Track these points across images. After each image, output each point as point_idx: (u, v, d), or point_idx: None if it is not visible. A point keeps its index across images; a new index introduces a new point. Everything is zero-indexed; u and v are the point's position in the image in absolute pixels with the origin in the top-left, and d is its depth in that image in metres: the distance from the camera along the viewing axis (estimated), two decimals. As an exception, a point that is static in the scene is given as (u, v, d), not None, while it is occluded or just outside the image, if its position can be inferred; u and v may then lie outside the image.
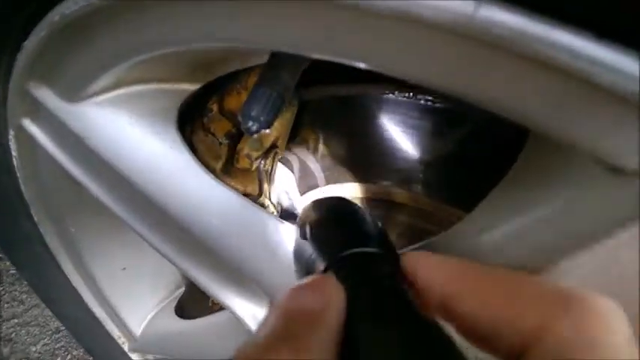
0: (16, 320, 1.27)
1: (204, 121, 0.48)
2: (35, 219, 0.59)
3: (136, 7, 0.27)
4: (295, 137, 0.51)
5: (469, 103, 0.21)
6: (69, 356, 1.21)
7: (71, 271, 0.66)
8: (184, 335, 0.69)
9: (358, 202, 0.50)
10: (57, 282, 0.69)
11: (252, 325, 0.49)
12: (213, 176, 0.42)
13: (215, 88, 0.47)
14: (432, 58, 0.20)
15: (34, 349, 1.22)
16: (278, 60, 0.33)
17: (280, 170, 0.52)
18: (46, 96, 0.39)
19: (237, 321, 0.57)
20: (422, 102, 0.45)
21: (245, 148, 0.45)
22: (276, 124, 0.41)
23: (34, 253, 0.66)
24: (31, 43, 0.34)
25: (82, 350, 1.23)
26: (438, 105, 0.44)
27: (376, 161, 0.50)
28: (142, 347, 0.74)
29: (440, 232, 0.31)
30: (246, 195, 0.47)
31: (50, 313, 1.28)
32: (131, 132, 0.40)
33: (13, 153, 0.49)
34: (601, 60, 0.16)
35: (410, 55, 0.20)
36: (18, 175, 0.53)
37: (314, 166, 0.53)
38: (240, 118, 0.34)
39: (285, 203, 0.54)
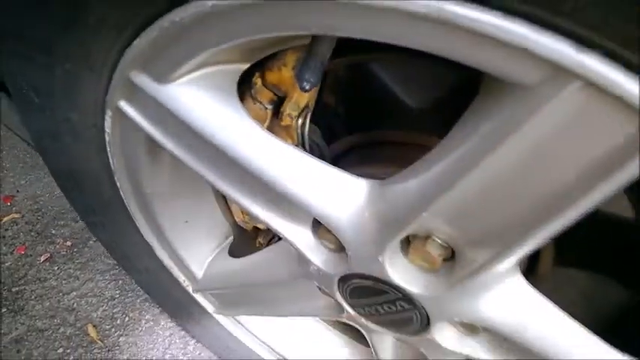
0: (75, 293, 1.45)
1: (251, 92, 0.63)
2: (118, 185, 0.74)
3: (224, 15, 0.42)
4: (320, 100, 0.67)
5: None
6: (126, 318, 1.39)
7: (145, 227, 0.82)
8: (237, 271, 0.86)
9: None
10: (133, 240, 0.85)
11: (297, 242, 0.64)
12: (268, 132, 0.57)
13: (255, 65, 0.62)
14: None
15: (95, 314, 1.39)
16: (318, 40, 0.49)
17: (311, 125, 0.68)
18: (143, 81, 0.54)
19: (276, 254, 0.74)
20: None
21: (287, 109, 0.61)
22: (311, 86, 0.56)
23: (114, 216, 0.82)
24: (140, 42, 0.49)
25: (137, 312, 1.41)
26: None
27: (380, 112, 0.66)
28: (204, 286, 0.91)
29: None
30: (289, 144, 0.62)
31: (104, 285, 1.46)
32: (205, 103, 0.56)
33: (107, 131, 0.64)
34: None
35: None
36: (108, 149, 0.68)
37: (334, 119, 0.69)
38: (296, 80, 0.49)
39: (315, 149, 0.69)
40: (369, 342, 0.82)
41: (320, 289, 0.76)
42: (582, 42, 0.29)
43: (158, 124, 0.59)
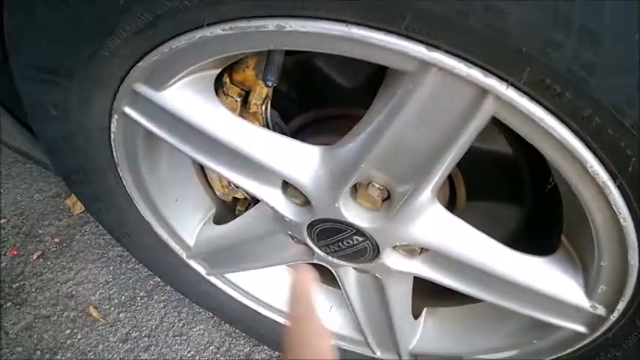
0: (71, 282, 1.60)
1: (223, 89, 0.82)
2: (121, 175, 0.92)
3: (207, 42, 0.61)
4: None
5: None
6: (122, 297, 1.56)
7: (144, 209, 1.00)
8: (222, 235, 1.05)
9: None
10: (134, 220, 1.03)
11: (271, 201, 0.84)
12: (243, 119, 0.76)
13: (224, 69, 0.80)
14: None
15: (93, 298, 1.55)
16: (273, 51, 0.69)
17: (271, 110, 0.87)
18: (144, 90, 0.72)
19: (254, 216, 0.94)
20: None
21: (253, 99, 0.80)
22: (271, 81, 0.76)
23: (117, 202, 1.00)
24: (144, 63, 0.67)
25: (131, 290, 1.57)
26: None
27: (324, 94, 0.87)
28: (195, 253, 1.10)
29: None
30: (258, 126, 0.82)
31: (97, 272, 1.62)
32: (192, 101, 0.74)
33: (113, 130, 0.82)
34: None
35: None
36: (113, 146, 0.86)
37: (289, 103, 0.89)
38: (261, 79, 0.69)
39: (277, 128, 0.89)
40: (337, 278, 1.03)
41: (293, 238, 0.96)
42: (431, 45, 0.50)
43: (156, 121, 0.77)
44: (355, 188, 0.77)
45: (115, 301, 1.55)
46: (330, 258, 0.93)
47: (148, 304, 1.53)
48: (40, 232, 1.74)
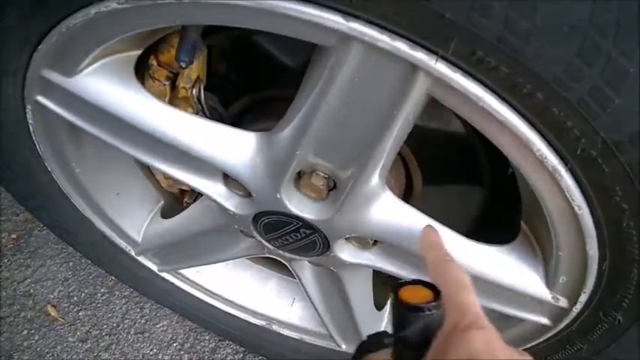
0: (29, 280, 1.53)
1: (149, 73, 0.74)
2: (50, 169, 0.85)
3: (105, 19, 0.53)
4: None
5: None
6: (82, 294, 1.49)
7: (82, 204, 0.93)
8: (171, 229, 0.99)
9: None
10: (73, 217, 0.96)
11: (212, 194, 0.77)
12: (170, 106, 0.69)
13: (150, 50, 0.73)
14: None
15: (52, 296, 1.48)
16: (186, 27, 0.61)
17: (207, 93, 0.80)
18: (54, 76, 0.65)
19: (201, 208, 0.87)
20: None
21: (181, 83, 0.73)
22: (195, 62, 0.68)
23: (51, 198, 0.92)
24: (44, 46, 0.60)
25: (91, 287, 1.51)
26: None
27: (266, 74, 0.79)
28: (144, 249, 1.03)
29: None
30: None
31: (55, 268, 1.55)
32: (110, 88, 0.67)
33: (30, 121, 0.74)
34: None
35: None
36: (34, 138, 0.78)
37: (228, 86, 0.81)
38: (175, 62, 0.61)
39: (215, 114, 0.82)
40: (293, 272, 0.97)
41: (241, 231, 0.89)
42: (349, 15, 0.43)
43: (74, 110, 0.70)
44: (299, 177, 0.70)
45: (75, 298, 1.48)
46: (280, 252, 0.87)
47: (109, 301, 1.47)
48: (-4, 228, 1.67)
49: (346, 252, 0.82)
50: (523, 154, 0.50)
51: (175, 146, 0.70)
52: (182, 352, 1.36)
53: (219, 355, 1.35)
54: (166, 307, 1.32)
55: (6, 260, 1.59)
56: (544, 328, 0.73)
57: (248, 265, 1.13)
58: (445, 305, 0.42)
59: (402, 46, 0.44)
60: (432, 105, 0.52)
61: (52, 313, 1.44)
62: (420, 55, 0.43)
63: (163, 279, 1.10)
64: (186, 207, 0.99)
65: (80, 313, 1.45)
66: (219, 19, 0.50)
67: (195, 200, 1.01)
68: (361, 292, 0.95)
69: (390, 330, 0.44)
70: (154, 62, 0.73)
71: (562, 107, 0.42)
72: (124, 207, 0.98)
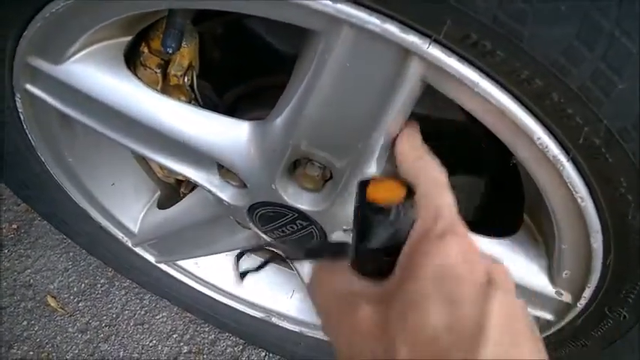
0: (29, 270, 1.52)
1: (141, 60, 0.72)
2: (42, 159, 0.83)
3: (89, 4, 0.51)
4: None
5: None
6: (82, 285, 1.48)
7: (76, 195, 0.92)
8: (168, 220, 0.97)
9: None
10: (68, 207, 0.95)
11: (207, 185, 0.75)
12: (161, 94, 0.67)
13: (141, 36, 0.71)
14: None
15: (52, 286, 1.48)
16: (173, 11, 0.59)
17: (200, 81, 0.78)
18: (40, 64, 0.63)
19: (197, 198, 0.85)
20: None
21: (172, 70, 0.70)
22: (186, 49, 0.66)
23: (46, 188, 0.91)
24: (29, 32, 0.58)
25: (91, 278, 1.50)
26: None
27: (261, 61, 0.77)
28: (141, 240, 1.02)
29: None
30: (182, 101, 0.73)
31: (56, 259, 1.54)
32: (99, 75, 0.65)
33: (20, 110, 0.73)
34: None
35: None
36: (25, 127, 0.76)
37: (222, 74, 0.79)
38: (161, 47, 0.59)
39: (209, 102, 0.80)
40: (291, 264, 0.96)
41: (238, 222, 0.88)
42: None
43: (63, 99, 0.68)
44: (295, 168, 0.68)
45: (75, 289, 1.47)
46: (277, 243, 0.85)
47: (108, 292, 1.46)
48: (-3, 218, 1.66)
49: (344, 244, 0.80)
50: (523, 143, 0.47)
51: (168, 135, 0.68)
52: (181, 344, 1.35)
53: (218, 347, 1.35)
54: (164, 298, 1.31)
55: (6, 250, 1.58)
56: (548, 324, 0.71)
57: (246, 256, 1.11)
58: (417, 207, 0.36)
59: (392, 29, 0.41)
60: (430, 92, 0.50)
61: (52, 304, 1.44)
62: (412, 39, 0.41)
63: (161, 270, 1.09)
64: (183, 197, 0.97)
65: (80, 304, 1.44)
66: (205, 3, 0.47)
67: (191, 191, 0.99)
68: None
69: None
70: (145, 49, 0.71)
71: (562, 93, 0.40)
72: (119, 197, 0.96)
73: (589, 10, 0.34)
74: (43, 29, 0.57)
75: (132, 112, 0.67)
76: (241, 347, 1.34)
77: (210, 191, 0.77)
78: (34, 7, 0.54)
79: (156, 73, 0.71)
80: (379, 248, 0.36)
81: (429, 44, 0.41)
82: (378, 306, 0.32)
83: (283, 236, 0.81)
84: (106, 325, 1.39)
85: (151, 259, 1.06)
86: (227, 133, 0.67)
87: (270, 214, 0.76)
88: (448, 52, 0.41)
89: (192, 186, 0.99)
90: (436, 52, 0.41)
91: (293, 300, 1.11)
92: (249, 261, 1.06)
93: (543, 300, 0.68)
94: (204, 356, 1.34)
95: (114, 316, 1.41)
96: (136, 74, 0.71)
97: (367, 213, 0.37)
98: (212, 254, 1.02)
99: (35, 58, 0.63)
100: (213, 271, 1.11)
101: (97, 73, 0.64)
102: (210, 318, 1.22)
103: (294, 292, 1.12)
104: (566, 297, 0.66)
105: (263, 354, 1.33)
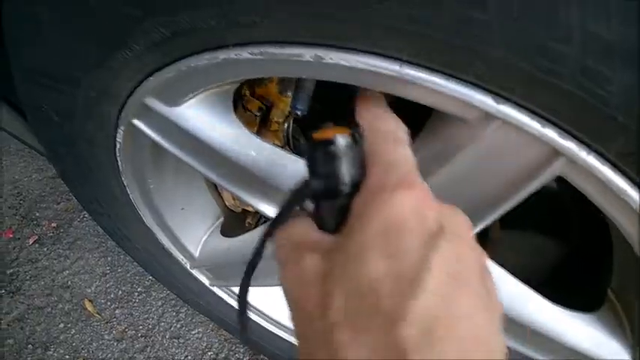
0: (67, 271, 1.54)
1: (242, 103, 0.73)
2: (125, 183, 0.84)
3: (234, 63, 0.53)
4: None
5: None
6: (119, 291, 1.50)
7: (147, 216, 0.93)
8: (230, 248, 0.98)
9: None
10: (136, 227, 0.96)
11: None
12: (260, 137, 0.68)
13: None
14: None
15: (89, 290, 1.49)
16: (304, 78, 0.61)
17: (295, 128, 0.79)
18: (156, 104, 0.65)
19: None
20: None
21: (274, 117, 0.72)
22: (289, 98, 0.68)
23: (118, 207, 0.92)
24: (156, 79, 0.59)
25: (129, 285, 1.51)
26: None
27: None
28: (200, 263, 1.03)
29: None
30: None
31: (94, 262, 1.56)
32: (208, 120, 0.66)
33: (118, 140, 0.74)
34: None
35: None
36: (118, 155, 0.78)
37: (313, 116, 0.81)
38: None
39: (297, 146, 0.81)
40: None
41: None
42: (500, 96, 0.42)
43: (167, 135, 0.70)
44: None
45: (112, 295, 1.49)
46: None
47: (145, 301, 1.47)
48: (37, 214, 1.68)
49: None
50: (622, 209, 0.48)
51: (257, 175, 0.69)
52: (216, 362, 1.36)
53: (253, 369, 1.36)
54: (207, 317, 1.32)
55: (45, 249, 1.60)
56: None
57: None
58: (370, 161, 0.34)
59: (551, 134, 0.43)
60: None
61: (89, 308, 1.45)
62: (570, 145, 0.43)
63: (213, 293, 1.10)
64: (249, 227, 0.98)
65: (117, 311, 1.45)
66: (352, 79, 0.49)
67: (257, 222, 1.01)
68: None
69: None
70: (247, 93, 0.73)
71: None
72: (186, 221, 0.97)
73: None
74: (172, 78, 0.58)
75: (232, 154, 0.68)
76: (276, 371, 1.35)
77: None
78: (173, 59, 0.55)
79: (255, 116, 0.73)
80: (330, 193, 0.34)
81: (588, 154, 0.42)
82: (325, 256, 0.32)
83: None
84: (142, 336, 1.40)
85: (206, 281, 1.08)
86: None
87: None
88: (607, 164, 0.42)
89: (259, 218, 1.01)
90: (593, 161, 0.43)
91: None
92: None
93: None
94: (239, 377, 1.36)
95: (150, 326, 1.42)
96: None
97: (313, 150, 0.35)
98: (269, 286, 1.03)
99: (152, 99, 0.64)
100: (264, 299, 1.12)
101: (207, 117, 0.66)
102: (261, 348, 1.23)
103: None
104: (645, 377, 0.67)
105: (296, 379, 1.35)
